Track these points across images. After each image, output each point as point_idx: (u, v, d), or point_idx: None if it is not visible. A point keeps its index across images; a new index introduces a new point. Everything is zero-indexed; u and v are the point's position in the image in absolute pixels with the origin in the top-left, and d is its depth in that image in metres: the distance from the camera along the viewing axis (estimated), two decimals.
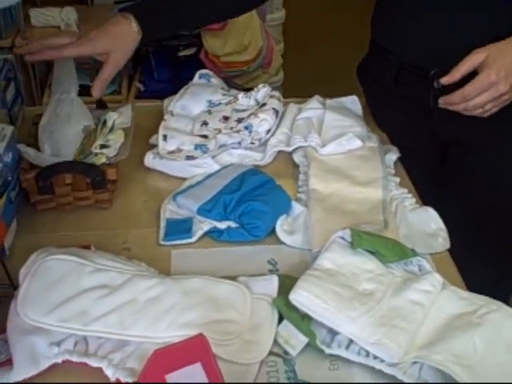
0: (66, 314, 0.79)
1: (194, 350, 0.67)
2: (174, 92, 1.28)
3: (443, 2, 1.09)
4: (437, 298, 0.88)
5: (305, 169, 1.14)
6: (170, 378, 0.65)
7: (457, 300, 0.89)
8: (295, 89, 2.01)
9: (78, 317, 0.79)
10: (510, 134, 1.15)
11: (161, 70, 2.38)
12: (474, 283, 0.94)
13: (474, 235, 1.25)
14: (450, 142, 1.24)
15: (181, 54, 2.43)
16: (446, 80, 1.02)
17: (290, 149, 1.18)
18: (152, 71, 2.39)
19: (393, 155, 1.18)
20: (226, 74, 2.38)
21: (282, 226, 1.00)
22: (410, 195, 1.09)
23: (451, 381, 0.77)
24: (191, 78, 1.34)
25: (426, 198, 1.10)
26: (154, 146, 1.17)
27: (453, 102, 1.02)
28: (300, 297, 0.83)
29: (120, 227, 1.03)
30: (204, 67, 1.80)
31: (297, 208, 1.04)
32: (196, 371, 0.66)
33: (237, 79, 2.52)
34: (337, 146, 1.15)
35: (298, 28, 3.46)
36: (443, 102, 1.04)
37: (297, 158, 1.18)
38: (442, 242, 1.01)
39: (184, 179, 1.12)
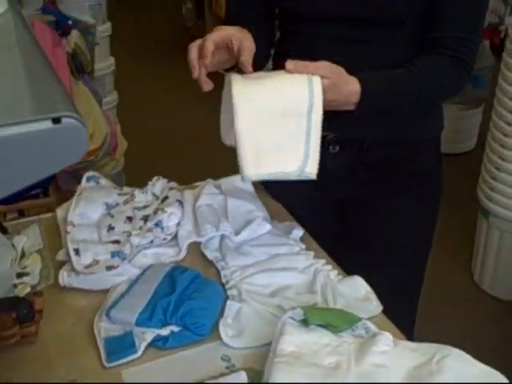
0: None
1: None
2: None
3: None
4: (393, 355, 0.92)
5: (222, 263, 1.14)
6: None
7: (410, 352, 0.94)
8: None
9: None
10: (402, 190, 1.25)
11: None
12: None
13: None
14: (346, 202, 1.31)
15: None
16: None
17: (203, 239, 1.18)
18: None
19: (298, 231, 1.22)
20: (72, 168, 2.31)
21: (226, 333, 0.98)
22: (330, 266, 1.13)
23: None
24: None
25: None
26: (63, 262, 1.11)
27: None
28: None
29: (56, 359, 0.95)
30: None
31: (233, 306, 1.03)
32: None
33: (84, 171, 2.45)
34: (249, 232, 1.17)
35: (131, 109, 3.48)
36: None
37: (209, 253, 1.16)
38: (376, 304, 1.06)
39: (104, 291, 1.07)
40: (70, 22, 2.31)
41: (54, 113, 0.43)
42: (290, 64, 1.00)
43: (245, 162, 0.99)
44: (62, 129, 0.43)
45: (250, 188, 1.32)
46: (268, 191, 1.35)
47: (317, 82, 1.01)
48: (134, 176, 2.92)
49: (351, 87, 1.05)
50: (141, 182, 1.32)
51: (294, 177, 1.02)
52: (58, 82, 0.48)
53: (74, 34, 2.33)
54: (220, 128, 1.15)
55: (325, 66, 1.03)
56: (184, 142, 3.65)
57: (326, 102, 1.00)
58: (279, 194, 1.32)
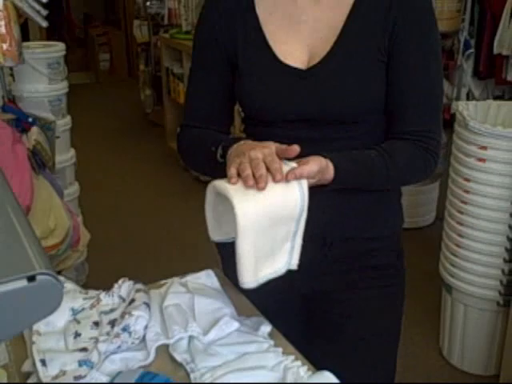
0: None
1: None
2: None
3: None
4: None
5: (191, 366, 1.12)
6: None
7: None
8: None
9: None
10: (365, 284, 1.28)
11: None
12: None
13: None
14: (311, 296, 1.32)
15: None
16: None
17: (171, 341, 1.17)
18: None
19: (266, 327, 1.22)
20: None
21: None
22: (299, 362, 1.13)
23: None
24: None
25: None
26: (29, 373, 1.09)
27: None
28: None
29: None
30: None
31: None
32: None
33: None
34: (218, 331, 1.17)
35: (92, 200, 3.48)
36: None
37: (178, 355, 1.15)
38: None
39: None
40: (30, 120, 2.33)
41: (29, 271, 0.44)
42: (291, 175, 1.03)
43: (245, 271, 1.03)
44: (37, 286, 0.44)
45: (217, 285, 1.33)
46: (234, 285, 1.36)
47: (305, 184, 1.05)
48: (97, 265, 2.91)
49: (330, 171, 1.10)
50: (104, 273, 1.31)
51: (281, 272, 1.08)
52: (32, 236, 0.50)
53: (35, 131, 2.35)
54: (207, 225, 1.16)
55: (311, 168, 1.05)
56: (147, 233, 3.65)
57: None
58: (247, 290, 1.32)
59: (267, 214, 1.03)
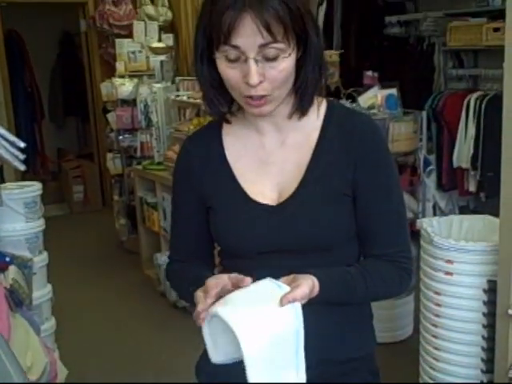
0: None
1: None
2: None
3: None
4: None
5: None
6: None
7: None
8: None
9: None
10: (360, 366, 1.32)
11: None
12: None
13: None
14: None
15: None
16: None
17: None
18: None
19: None
20: None
21: None
22: None
23: None
24: None
25: None
26: None
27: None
28: None
29: None
30: None
31: None
32: None
33: None
34: None
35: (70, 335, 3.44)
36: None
37: None
38: None
39: None
40: (7, 259, 2.37)
41: None
42: (285, 300, 1.10)
43: None
44: None
45: None
46: None
47: (299, 307, 1.12)
48: None
49: (317, 289, 1.17)
50: None
51: None
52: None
53: (12, 270, 2.38)
54: (207, 349, 1.19)
55: (303, 291, 1.12)
56: (127, 362, 3.60)
57: None
58: None
59: (269, 340, 1.10)
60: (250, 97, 1.19)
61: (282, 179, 1.29)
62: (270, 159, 1.31)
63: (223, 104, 1.29)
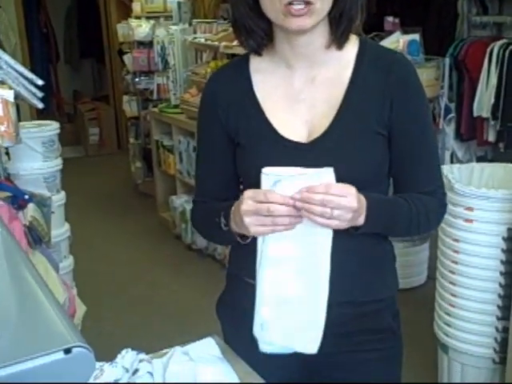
0: None
1: None
2: None
3: None
4: None
5: None
6: None
7: None
8: None
9: None
10: (364, 348, 1.31)
11: None
12: None
13: None
14: (312, 359, 1.35)
15: None
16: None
17: None
18: None
19: None
20: None
21: None
22: None
23: None
24: None
25: None
26: None
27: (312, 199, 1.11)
28: None
29: None
30: None
31: None
32: None
33: None
34: None
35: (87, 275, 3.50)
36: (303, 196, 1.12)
37: None
38: None
39: None
40: (26, 197, 2.38)
41: (65, 344, 0.48)
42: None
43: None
44: (73, 358, 0.48)
45: (218, 353, 1.35)
46: (234, 352, 1.38)
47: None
48: (93, 339, 2.89)
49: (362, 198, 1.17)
50: (100, 344, 1.32)
51: None
52: (59, 307, 0.53)
53: (31, 207, 2.40)
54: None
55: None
56: (142, 302, 3.65)
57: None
58: (247, 356, 1.34)
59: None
60: (291, 4, 1.15)
61: (311, 117, 1.27)
62: (300, 96, 1.28)
63: (258, 31, 1.25)
